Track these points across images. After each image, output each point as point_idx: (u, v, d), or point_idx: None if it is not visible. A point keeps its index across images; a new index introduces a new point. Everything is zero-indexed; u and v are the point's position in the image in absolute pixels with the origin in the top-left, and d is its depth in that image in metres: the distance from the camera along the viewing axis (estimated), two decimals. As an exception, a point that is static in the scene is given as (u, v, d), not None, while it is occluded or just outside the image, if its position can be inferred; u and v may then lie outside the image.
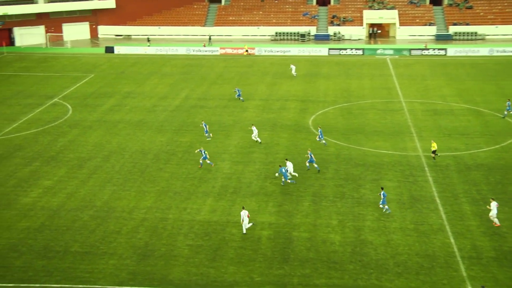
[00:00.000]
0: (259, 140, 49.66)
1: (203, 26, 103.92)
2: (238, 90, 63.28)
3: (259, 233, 35.08)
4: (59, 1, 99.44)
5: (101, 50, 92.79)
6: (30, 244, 34.14)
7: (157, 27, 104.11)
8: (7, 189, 41.81)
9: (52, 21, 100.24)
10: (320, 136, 48.75)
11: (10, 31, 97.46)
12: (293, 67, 73.46)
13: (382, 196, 37.34)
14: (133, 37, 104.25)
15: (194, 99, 63.86)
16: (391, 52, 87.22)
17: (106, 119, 57.30)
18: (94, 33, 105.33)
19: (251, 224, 35.75)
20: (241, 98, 62.64)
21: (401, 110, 58.79)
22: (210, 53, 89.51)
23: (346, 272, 31.10)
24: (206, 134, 50.81)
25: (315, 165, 43.72)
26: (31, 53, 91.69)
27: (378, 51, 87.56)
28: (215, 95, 65.11)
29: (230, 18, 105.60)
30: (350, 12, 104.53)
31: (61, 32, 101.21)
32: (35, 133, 53.47)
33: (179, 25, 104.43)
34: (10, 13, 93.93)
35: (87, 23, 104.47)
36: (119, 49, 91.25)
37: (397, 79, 71.97)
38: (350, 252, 32.94)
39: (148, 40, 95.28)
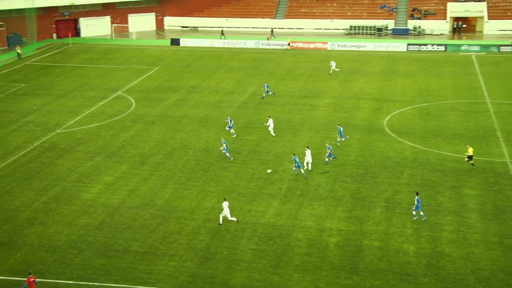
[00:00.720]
0: (273, 134, 51.29)
1: (273, 18, 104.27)
2: (266, 86, 63.35)
3: (327, 239, 34.91)
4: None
5: (167, 42, 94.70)
6: (89, 242, 35.24)
7: (225, 18, 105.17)
8: (69, 183, 43.30)
9: (118, 12, 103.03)
10: (340, 135, 48.81)
11: (76, 21, 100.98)
12: (333, 63, 73.13)
13: (416, 202, 36.54)
14: (200, 29, 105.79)
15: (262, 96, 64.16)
16: (477, 48, 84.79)
17: (169, 114, 58.42)
18: (159, 24, 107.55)
19: (234, 219, 36.52)
20: (263, 95, 62.77)
21: (486, 112, 57.08)
22: (279, 47, 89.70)
23: (420, 285, 30.50)
24: (231, 130, 51.66)
25: (327, 158, 44.95)
26: (96, 44, 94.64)
27: (463, 47, 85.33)
28: (283, 92, 65.18)
29: (302, 10, 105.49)
30: (432, 4, 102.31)
31: (127, 23, 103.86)
32: (98, 127, 55.14)
33: (248, 17, 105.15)
34: (76, 3, 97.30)
35: (153, 14, 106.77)
36: (185, 42, 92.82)
37: (483, 78, 69.91)
38: (425, 264, 32.29)
39: (222, 33, 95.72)
